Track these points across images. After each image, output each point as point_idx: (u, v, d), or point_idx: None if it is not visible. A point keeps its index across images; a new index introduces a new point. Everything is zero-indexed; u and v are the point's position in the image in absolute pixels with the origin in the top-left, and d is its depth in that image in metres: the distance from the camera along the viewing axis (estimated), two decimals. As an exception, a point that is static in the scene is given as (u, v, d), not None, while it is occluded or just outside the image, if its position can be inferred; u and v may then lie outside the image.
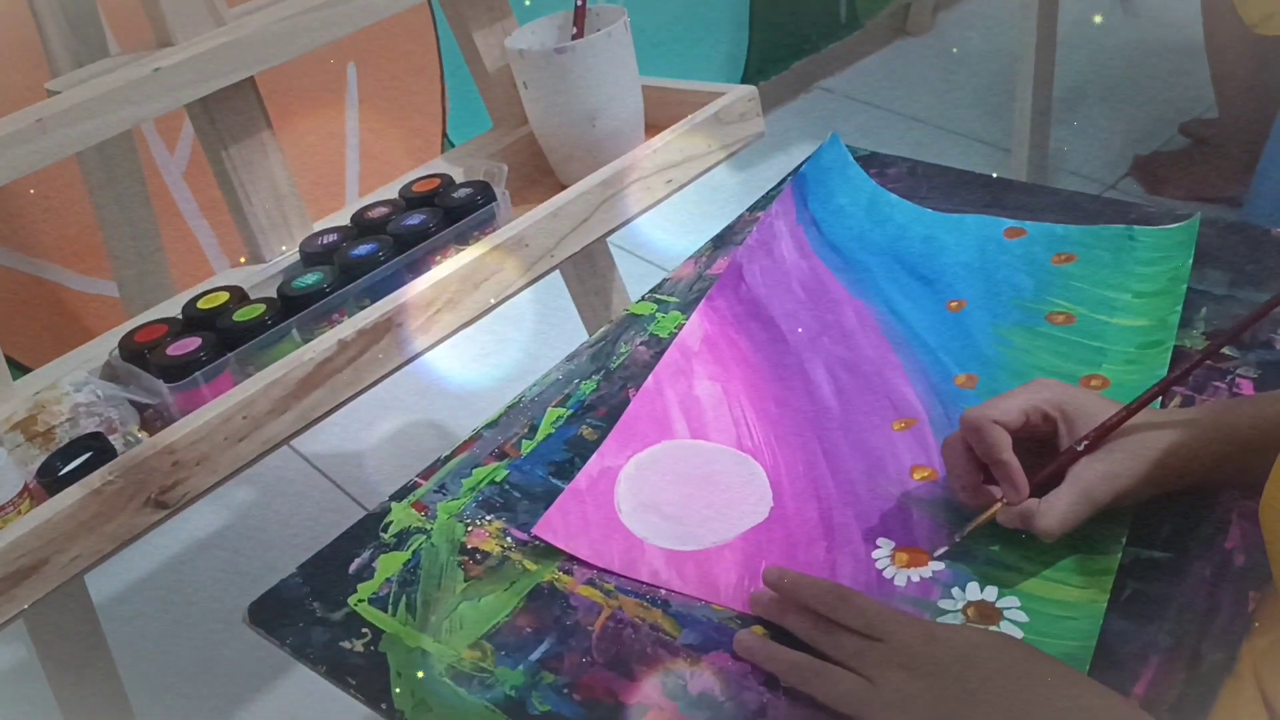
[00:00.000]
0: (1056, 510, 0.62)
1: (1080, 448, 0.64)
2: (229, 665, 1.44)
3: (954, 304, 0.87)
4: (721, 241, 0.99)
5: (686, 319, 0.89)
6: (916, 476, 0.72)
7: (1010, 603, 0.62)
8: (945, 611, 0.62)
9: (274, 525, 1.65)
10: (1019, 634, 0.60)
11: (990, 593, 0.63)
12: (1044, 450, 0.66)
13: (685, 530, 0.71)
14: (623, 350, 0.88)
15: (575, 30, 1.15)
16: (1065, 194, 0.97)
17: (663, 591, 0.66)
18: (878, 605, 0.60)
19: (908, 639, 0.57)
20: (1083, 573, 0.63)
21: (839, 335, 0.85)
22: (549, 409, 0.83)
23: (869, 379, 0.81)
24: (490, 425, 0.82)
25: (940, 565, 0.65)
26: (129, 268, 1.32)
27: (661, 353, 0.86)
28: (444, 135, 1.96)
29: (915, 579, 0.64)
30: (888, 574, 0.65)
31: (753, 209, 1.02)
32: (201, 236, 1.70)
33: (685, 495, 0.73)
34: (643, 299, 0.93)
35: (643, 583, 0.67)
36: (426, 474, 0.78)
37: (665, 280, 0.95)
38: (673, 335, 0.88)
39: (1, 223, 1.52)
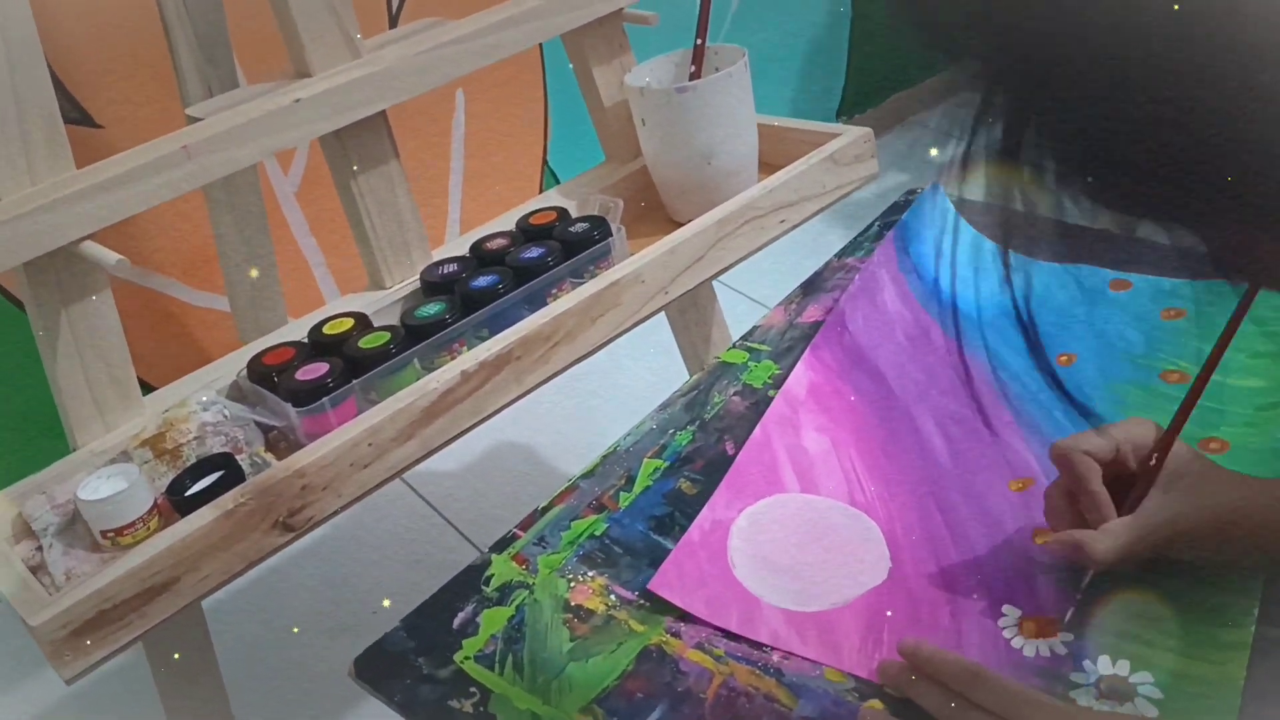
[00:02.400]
0: (1111, 534, 0.62)
1: (1152, 461, 0.64)
2: (323, 680, 1.46)
3: (1064, 357, 0.85)
4: (810, 288, 0.98)
5: (779, 367, 0.89)
6: (1039, 540, 0.70)
7: (1143, 678, 0.60)
8: (1077, 685, 0.61)
9: (367, 539, 1.67)
10: (1154, 711, 0.58)
11: (1122, 667, 0.61)
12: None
13: (802, 589, 0.69)
14: (717, 400, 0.87)
15: (694, 69, 1.16)
16: (1164, 247, 0.95)
17: (774, 658, 0.65)
18: (1015, 687, 0.58)
19: None
20: (1216, 647, 0.61)
21: (947, 387, 0.84)
22: (645, 460, 0.82)
23: (981, 434, 0.79)
24: (586, 475, 0.82)
25: (1070, 637, 0.63)
26: (243, 284, 1.36)
27: (756, 403, 0.85)
28: (544, 162, 1.98)
29: (1045, 651, 0.63)
30: (1015, 644, 0.64)
31: (840, 255, 1.01)
32: (309, 255, 1.73)
33: (800, 552, 0.72)
34: (734, 347, 0.93)
35: (755, 648, 0.66)
36: (524, 525, 0.78)
37: (756, 328, 0.95)
38: (766, 385, 0.87)
39: (115, 236, 1.57)
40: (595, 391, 1.87)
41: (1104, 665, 0.61)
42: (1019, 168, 0.38)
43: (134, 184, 0.85)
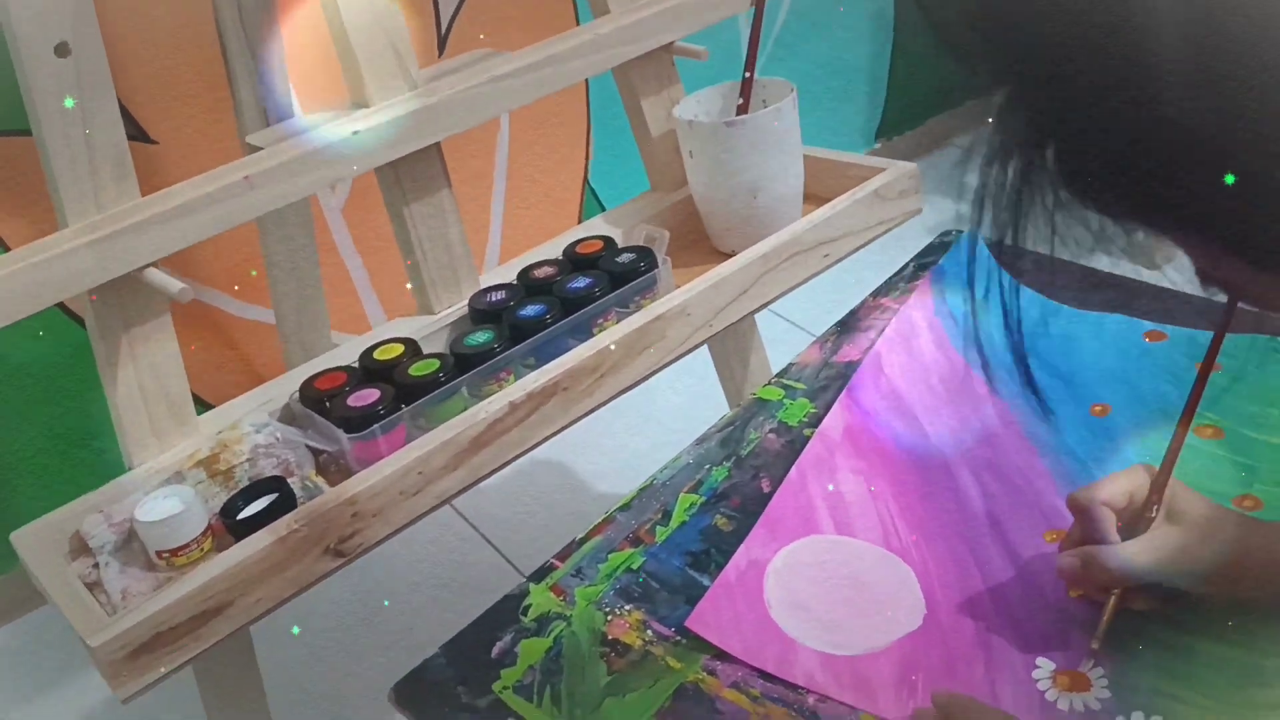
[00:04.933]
0: (1123, 553, 0.65)
1: (1153, 513, 0.67)
2: (359, 701, 1.48)
3: (1097, 408, 0.85)
4: (845, 327, 0.99)
5: (814, 406, 0.90)
6: (1073, 594, 0.71)
7: None
8: None
9: (407, 558, 1.69)
10: None
11: None
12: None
13: (838, 633, 0.70)
14: (752, 437, 0.88)
15: (741, 102, 1.17)
16: (1198, 300, 0.96)
17: (810, 701, 0.66)
18: None
19: None
20: (1251, 707, 0.62)
21: (982, 436, 0.85)
22: (681, 494, 0.83)
23: (1016, 485, 0.80)
24: (623, 508, 0.83)
25: (1106, 693, 0.64)
26: (289, 300, 1.38)
27: (791, 441, 0.86)
28: (585, 181, 2.00)
29: (1079, 706, 0.64)
30: (1050, 697, 0.64)
31: (876, 294, 1.02)
32: (354, 271, 1.76)
33: (835, 595, 0.73)
34: (769, 384, 0.94)
35: (791, 689, 0.67)
36: (562, 556, 0.79)
37: (791, 365, 0.96)
38: (801, 423, 0.88)
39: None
40: (635, 412, 1.88)
41: None
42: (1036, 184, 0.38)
43: (197, 213, 0.87)
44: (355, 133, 0.93)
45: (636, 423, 1.86)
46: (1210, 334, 0.89)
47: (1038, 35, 0.35)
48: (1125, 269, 1.01)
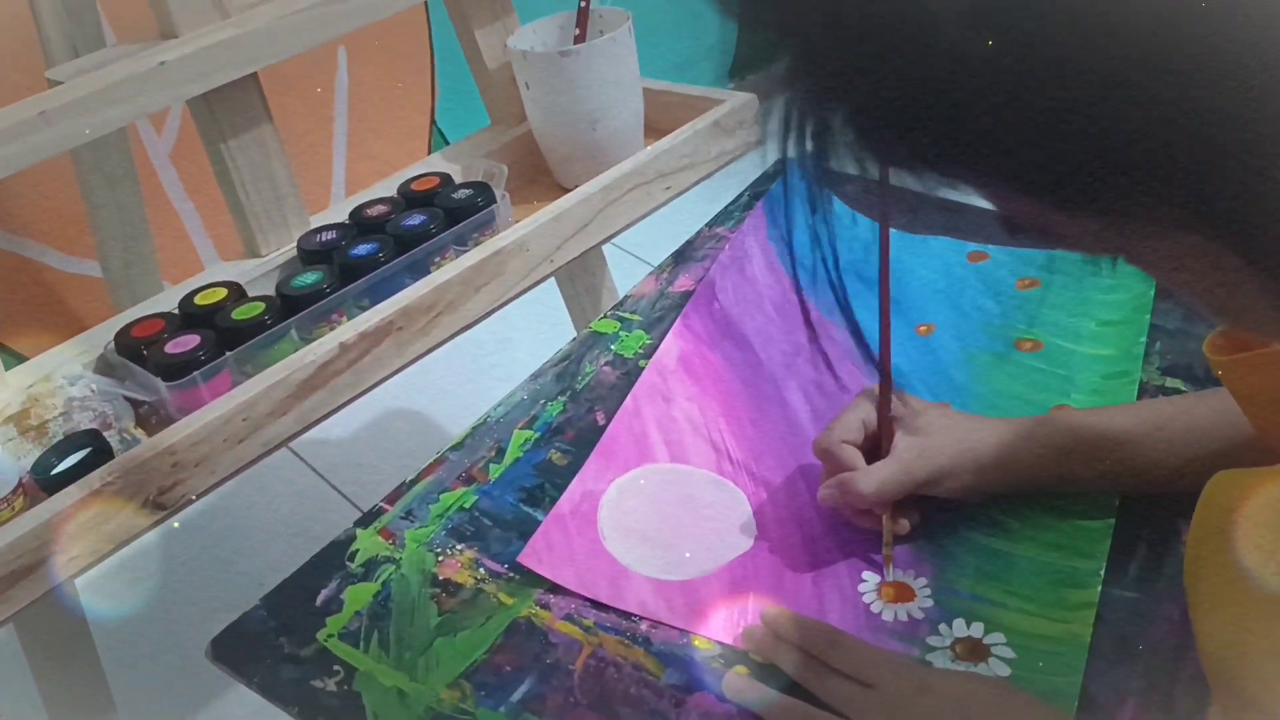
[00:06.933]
0: (874, 475, 0.67)
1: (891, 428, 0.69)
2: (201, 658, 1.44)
3: (923, 328, 0.87)
4: (682, 258, 0.99)
5: (650, 337, 0.90)
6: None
7: (996, 639, 0.63)
8: (933, 649, 0.63)
9: (253, 510, 1.64)
10: (1006, 670, 0.61)
11: (977, 629, 0.64)
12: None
13: (670, 559, 0.71)
14: (588, 370, 0.87)
15: (578, 32, 1.15)
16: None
17: (643, 627, 0.66)
18: (870, 651, 0.61)
19: (900, 688, 0.58)
20: (1064, 607, 0.64)
21: (811, 356, 0.86)
22: (515, 431, 0.82)
23: (843, 405, 0.81)
24: (456, 447, 0.81)
25: (929, 602, 0.66)
26: (115, 250, 1.31)
27: (627, 373, 0.86)
28: (432, 121, 1.95)
29: (903, 615, 0.65)
30: (875, 609, 0.66)
31: (711, 224, 1.02)
32: (186, 217, 1.68)
33: (668, 522, 0.73)
34: (605, 316, 0.93)
35: (624, 617, 0.67)
36: (392, 498, 0.78)
37: (627, 297, 0.95)
38: (637, 355, 0.88)
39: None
40: (490, 354, 1.86)
41: (959, 628, 0.64)
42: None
43: (-13, 152, 0.81)
44: (162, 63, 0.88)
45: (508, 373, 1.84)
46: (1031, 250, 0.92)
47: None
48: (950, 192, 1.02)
